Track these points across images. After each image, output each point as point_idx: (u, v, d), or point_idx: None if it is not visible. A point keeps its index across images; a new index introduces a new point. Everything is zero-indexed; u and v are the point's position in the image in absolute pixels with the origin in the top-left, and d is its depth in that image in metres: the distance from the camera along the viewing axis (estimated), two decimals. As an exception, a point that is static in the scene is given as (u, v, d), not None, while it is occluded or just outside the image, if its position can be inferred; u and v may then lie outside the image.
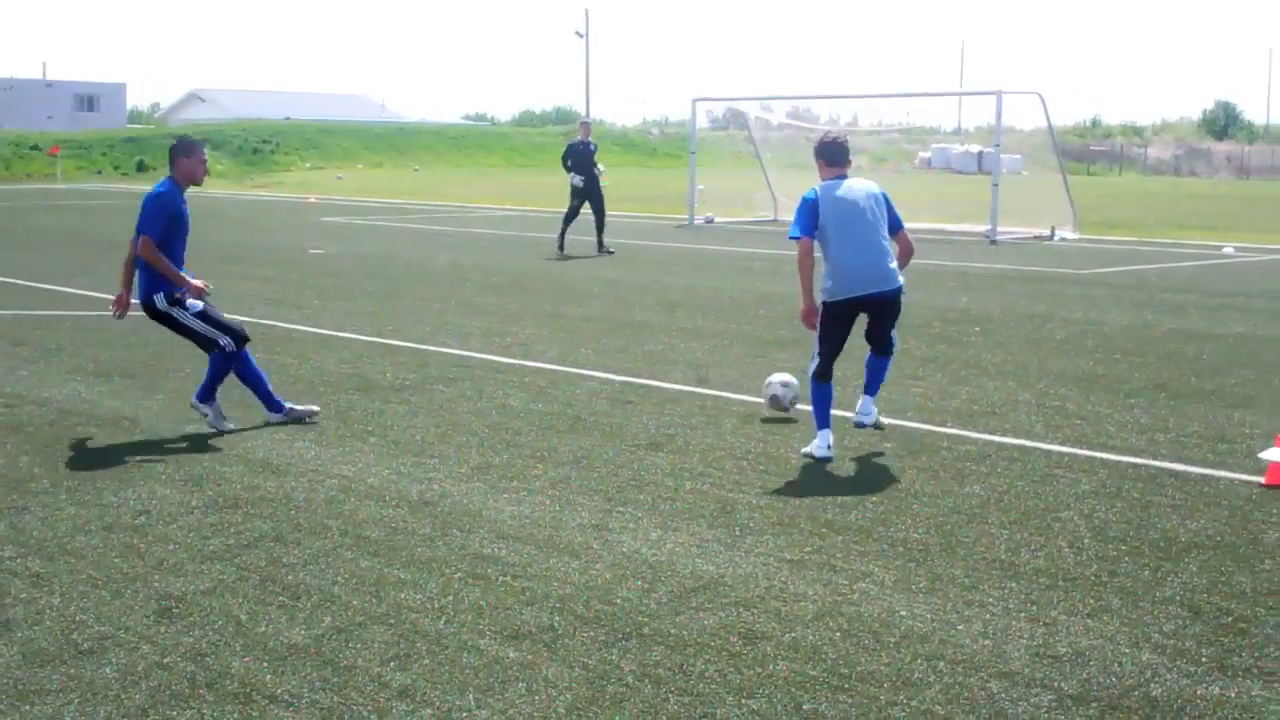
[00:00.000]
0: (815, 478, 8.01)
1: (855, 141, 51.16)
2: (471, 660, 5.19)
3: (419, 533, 6.84)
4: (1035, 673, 5.09)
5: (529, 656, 5.23)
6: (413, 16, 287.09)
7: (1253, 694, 4.91)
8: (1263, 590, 6.04)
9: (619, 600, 5.86)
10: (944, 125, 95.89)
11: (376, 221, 34.01)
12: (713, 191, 37.78)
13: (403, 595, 5.92)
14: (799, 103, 62.91)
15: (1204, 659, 5.24)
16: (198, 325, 9.12)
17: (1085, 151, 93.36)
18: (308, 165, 70.37)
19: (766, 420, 9.56)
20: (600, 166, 24.29)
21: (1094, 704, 4.82)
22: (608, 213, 24.85)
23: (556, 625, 5.56)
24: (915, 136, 78.63)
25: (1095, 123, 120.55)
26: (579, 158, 24.04)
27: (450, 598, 5.89)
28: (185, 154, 9.38)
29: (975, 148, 75.43)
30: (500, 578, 6.15)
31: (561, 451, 8.58)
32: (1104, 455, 8.58)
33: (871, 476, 8.03)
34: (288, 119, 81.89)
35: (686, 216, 33.99)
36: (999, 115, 29.07)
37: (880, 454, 8.60)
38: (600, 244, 24.00)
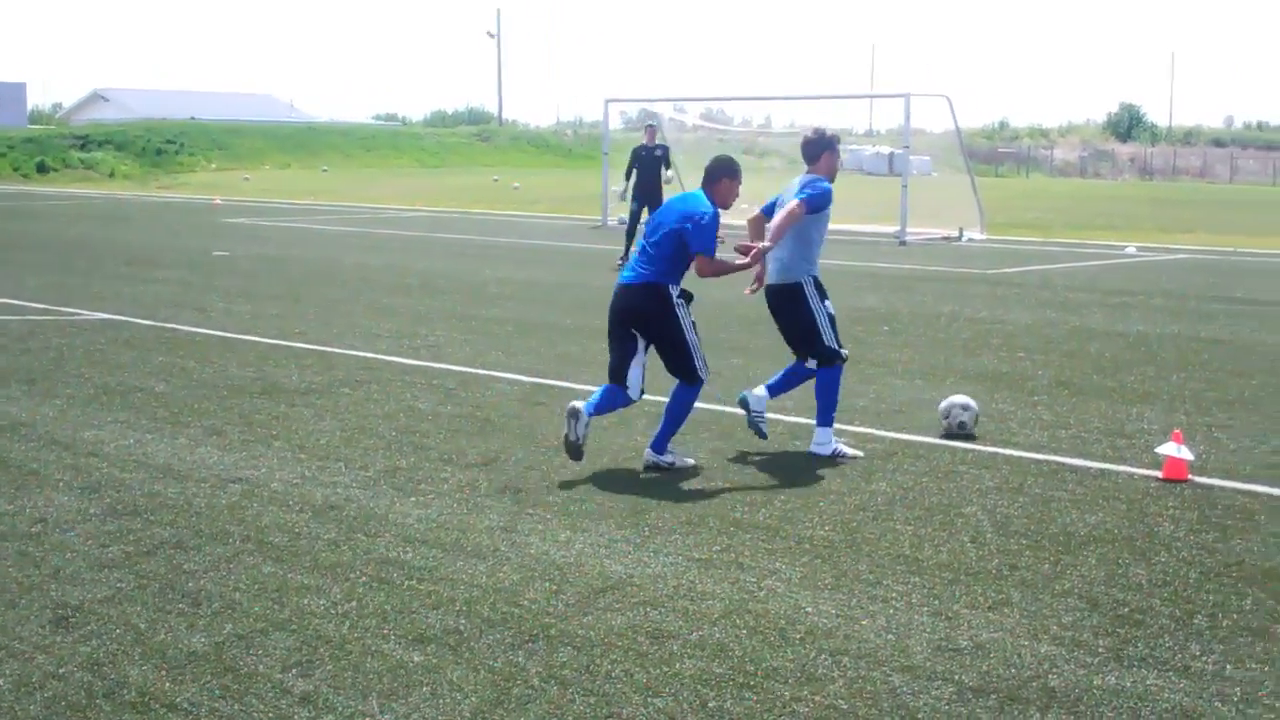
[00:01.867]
0: (725, 478, 8.03)
1: (769, 143, 51.32)
2: (375, 665, 5.15)
3: (323, 537, 6.77)
4: (937, 665, 5.15)
5: (434, 660, 5.20)
6: (322, 15, 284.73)
7: (1147, 683, 5.00)
8: (1158, 582, 6.15)
9: (526, 602, 5.84)
10: (856, 127, 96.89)
11: (283, 223, 33.67)
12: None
13: (305, 601, 5.86)
14: (712, 104, 63.05)
15: (1101, 650, 5.33)
16: (691, 336, 8.29)
17: (993, 153, 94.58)
18: (213, 166, 69.51)
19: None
20: (670, 172, 22.69)
21: (993, 695, 4.88)
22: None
23: (462, 628, 5.53)
24: (827, 139, 79.01)
25: (1003, 125, 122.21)
26: (643, 164, 22.68)
27: (354, 603, 5.84)
28: (730, 175, 8.43)
29: (886, 149, 76.08)
30: (406, 581, 6.11)
31: (470, 454, 8.55)
32: (1007, 452, 8.70)
33: (780, 475, 8.08)
34: (193, 119, 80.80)
35: (600, 217, 34.04)
36: (907, 117, 29.38)
37: (789, 453, 8.66)
38: None
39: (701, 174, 8.49)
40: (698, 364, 8.28)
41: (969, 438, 9.05)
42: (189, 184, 58.68)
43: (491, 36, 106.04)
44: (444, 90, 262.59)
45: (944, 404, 9.30)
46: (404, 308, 16.03)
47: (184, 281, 18.89)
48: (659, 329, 8.28)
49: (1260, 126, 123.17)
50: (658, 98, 49.47)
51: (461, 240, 28.31)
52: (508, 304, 16.58)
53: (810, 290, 8.73)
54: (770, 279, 8.74)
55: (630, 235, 22.74)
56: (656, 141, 22.85)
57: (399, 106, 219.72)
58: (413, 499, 7.50)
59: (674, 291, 8.27)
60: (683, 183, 35.55)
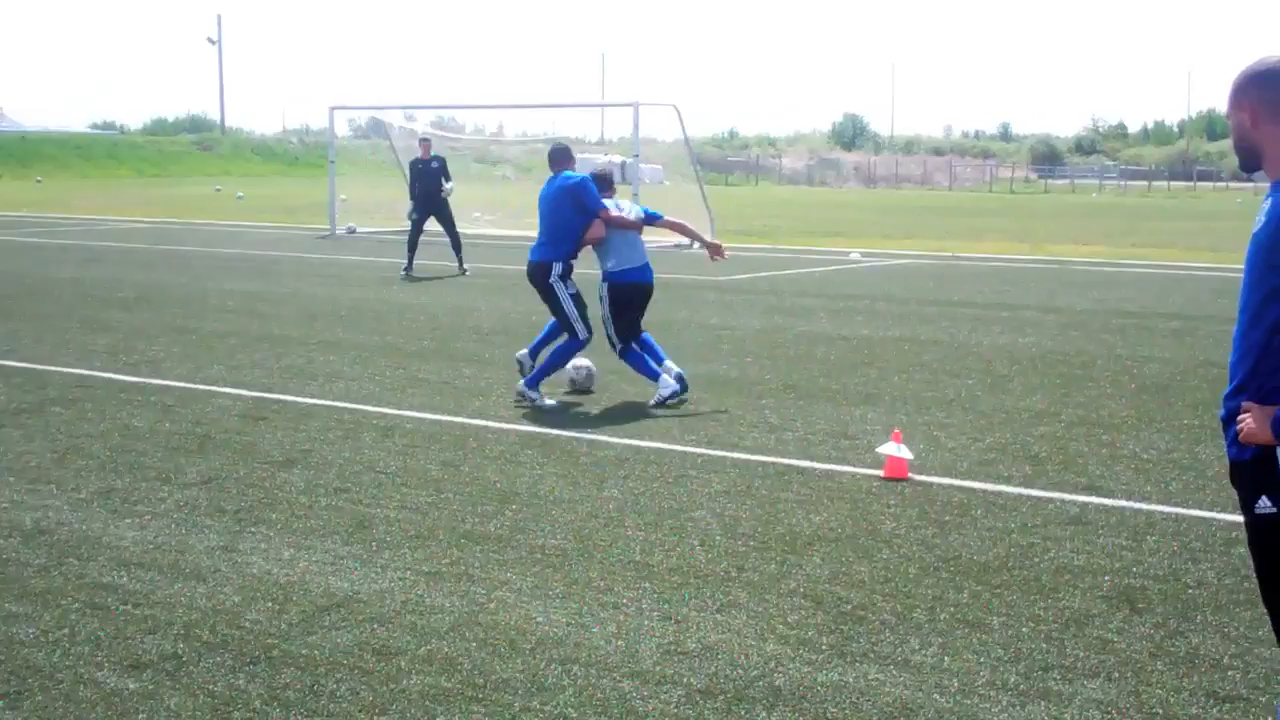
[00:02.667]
0: (455, 489, 7.94)
1: (501, 151, 51.31)
2: (88, 694, 4.91)
3: (33, 563, 6.43)
4: (665, 670, 5.17)
5: (150, 687, 4.98)
6: (33, 18, 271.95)
7: (869, 678, 5.13)
8: (879, 578, 6.33)
9: (247, 623, 5.65)
10: (589, 136, 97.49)
11: (-6, 235, 32.02)
12: (355, 201, 37.26)
13: (14, 630, 5.55)
14: (444, 111, 62.79)
15: (824, 647, 5.44)
16: (569, 305, 10.57)
17: (723, 162, 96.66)
18: (-83, 177, 65.77)
19: (407, 432, 9.46)
20: (448, 185, 22.54)
21: (721, 696, 4.93)
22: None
23: (181, 653, 5.31)
24: (560, 147, 79.45)
25: (732, 134, 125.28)
26: (422, 179, 22.44)
27: (66, 630, 5.55)
28: (572, 156, 10.95)
29: (618, 159, 76.84)
30: (121, 606, 5.84)
31: (189, 472, 8.24)
32: (735, 455, 8.84)
33: (512, 485, 8.03)
34: (-107, 127, 76.36)
35: (328, 227, 33.45)
36: (636, 126, 29.74)
37: (521, 462, 8.62)
38: (460, 264, 22.36)
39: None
40: (576, 326, 10.55)
41: (588, 393, 10.90)
42: (-112, 194, 55.30)
43: (212, 43, 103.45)
44: (164, 97, 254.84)
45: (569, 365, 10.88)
46: (121, 322, 15.41)
47: (-120, 297, 17.76)
48: (545, 297, 10.73)
49: (977, 135, 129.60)
50: (386, 105, 48.94)
51: (183, 252, 27.41)
52: (231, 317, 16.10)
53: None
54: (648, 276, 11.13)
55: (413, 246, 22.23)
56: (431, 154, 22.81)
57: (117, 114, 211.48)
58: (128, 520, 7.18)
59: (558, 269, 10.58)
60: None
